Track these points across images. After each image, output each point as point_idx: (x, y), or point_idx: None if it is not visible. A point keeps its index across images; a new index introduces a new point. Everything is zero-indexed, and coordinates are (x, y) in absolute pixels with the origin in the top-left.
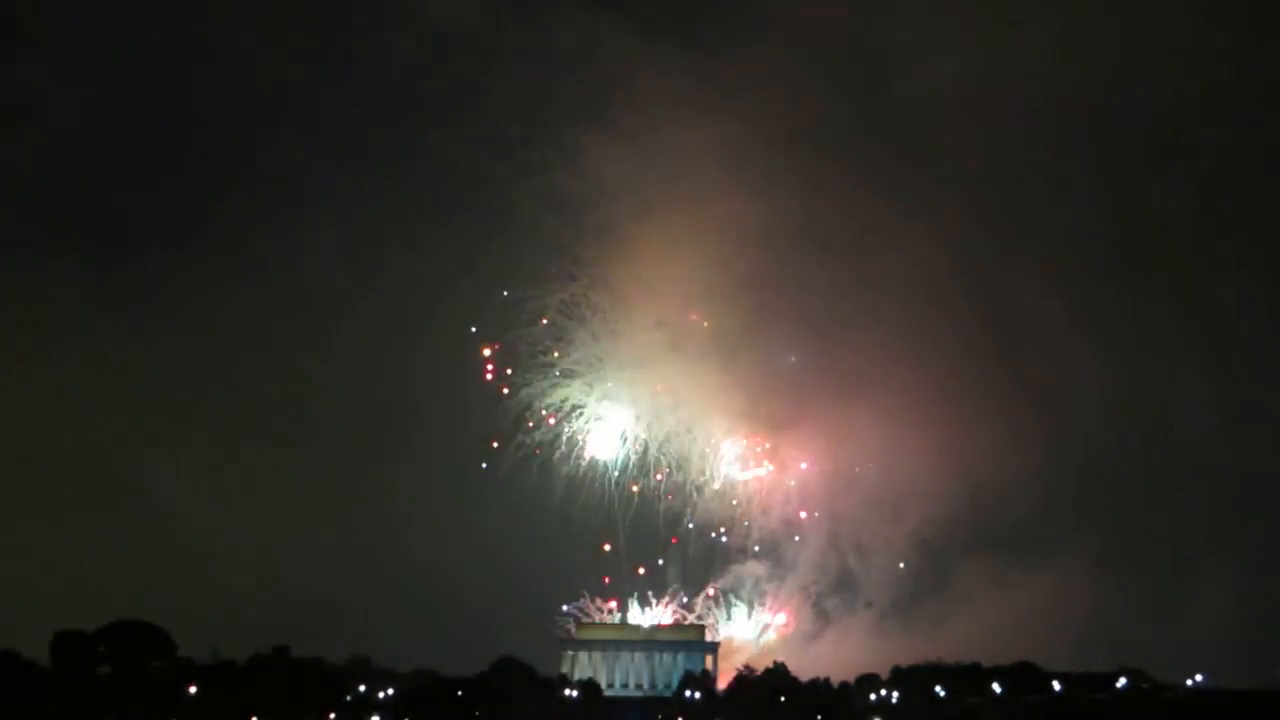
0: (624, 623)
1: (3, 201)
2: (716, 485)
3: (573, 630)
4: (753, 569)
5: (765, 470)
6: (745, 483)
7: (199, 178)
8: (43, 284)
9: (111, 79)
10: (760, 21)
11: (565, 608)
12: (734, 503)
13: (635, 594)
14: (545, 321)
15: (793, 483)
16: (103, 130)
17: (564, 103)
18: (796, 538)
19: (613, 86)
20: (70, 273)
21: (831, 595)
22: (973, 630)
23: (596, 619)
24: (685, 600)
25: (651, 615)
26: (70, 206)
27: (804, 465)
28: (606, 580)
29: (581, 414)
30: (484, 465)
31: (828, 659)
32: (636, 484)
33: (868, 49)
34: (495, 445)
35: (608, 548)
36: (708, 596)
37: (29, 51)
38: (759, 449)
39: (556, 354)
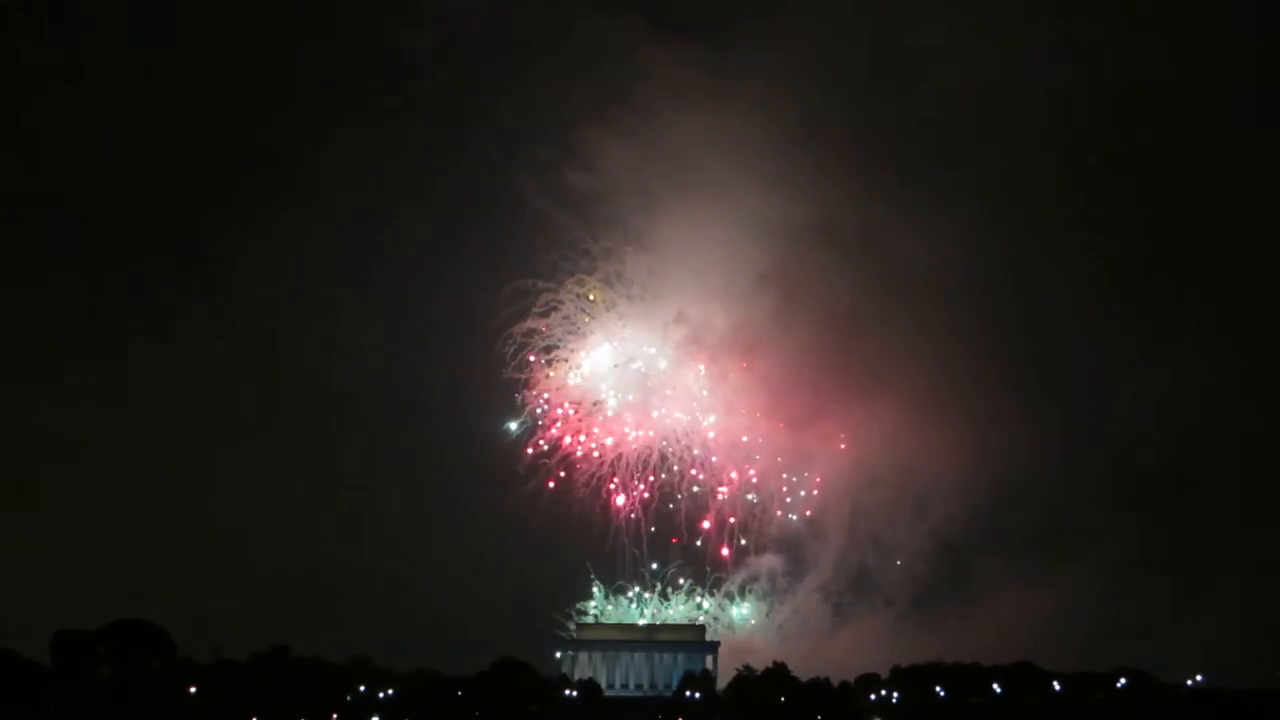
0: (638, 622)
1: (4, 199)
2: (734, 481)
3: (573, 630)
4: (769, 563)
5: (785, 466)
6: (764, 479)
7: (205, 174)
8: (41, 281)
9: (112, 74)
10: (772, 16)
11: (571, 624)
12: (751, 498)
13: (655, 589)
14: (560, 315)
15: (818, 477)
16: (105, 129)
17: (575, 98)
18: (813, 523)
19: (624, 81)
20: (70, 271)
21: (850, 592)
22: (990, 629)
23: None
24: (699, 596)
25: (662, 614)
26: (73, 204)
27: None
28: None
29: (596, 407)
30: (493, 462)
31: (844, 657)
32: (653, 481)
33: (885, 42)
34: (506, 443)
35: (633, 550)
36: (721, 593)
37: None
38: (779, 444)
39: (570, 348)
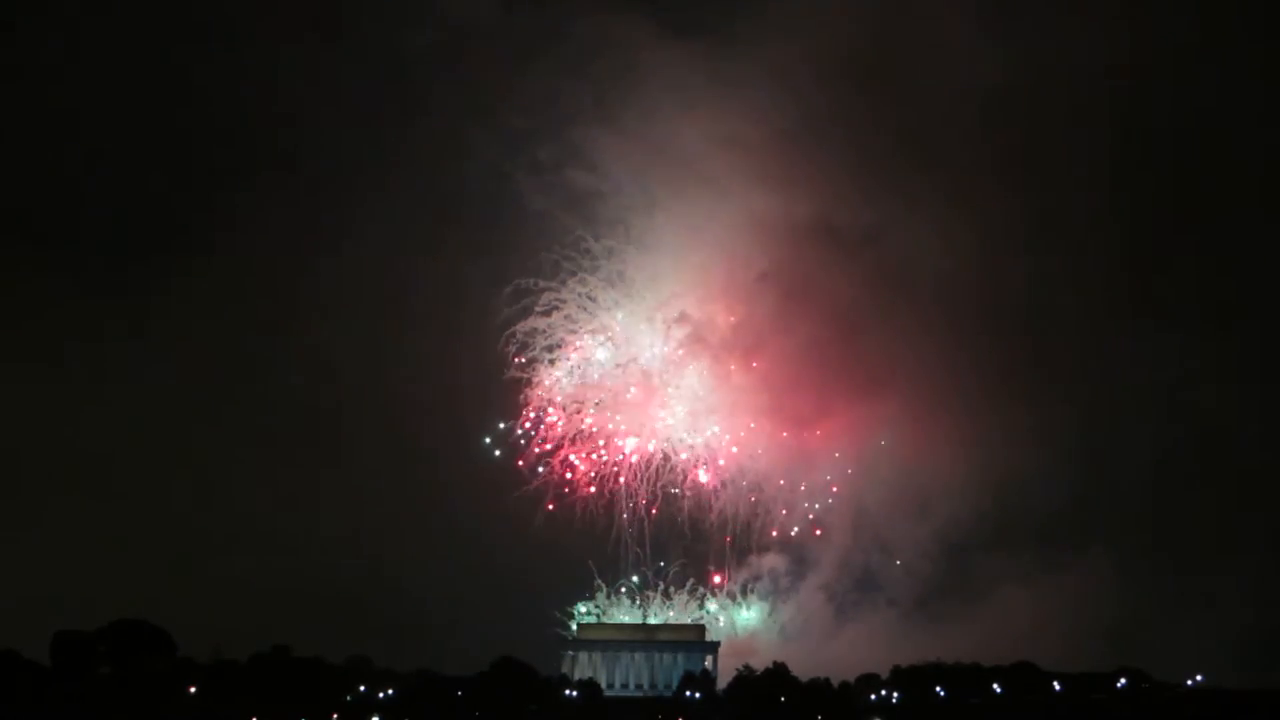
0: (643, 621)
1: (4, 199)
2: (736, 481)
3: (573, 630)
4: (772, 562)
5: (788, 465)
6: (767, 478)
7: (208, 174)
8: (41, 282)
9: (116, 76)
10: (776, 13)
11: (571, 624)
12: (753, 498)
13: (657, 589)
14: (561, 315)
15: (822, 477)
16: (106, 128)
17: (576, 96)
18: (818, 531)
19: (625, 80)
20: (69, 271)
21: (853, 592)
22: (991, 629)
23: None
24: (700, 595)
25: (664, 613)
26: (73, 204)
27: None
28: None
29: (598, 407)
30: (494, 461)
31: (845, 657)
32: (655, 480)
33: (889, 40)
34: (505, 440)
35: (636, 550)
36: (722, 592)
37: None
38: (782, 444)
39: (572, 348)
